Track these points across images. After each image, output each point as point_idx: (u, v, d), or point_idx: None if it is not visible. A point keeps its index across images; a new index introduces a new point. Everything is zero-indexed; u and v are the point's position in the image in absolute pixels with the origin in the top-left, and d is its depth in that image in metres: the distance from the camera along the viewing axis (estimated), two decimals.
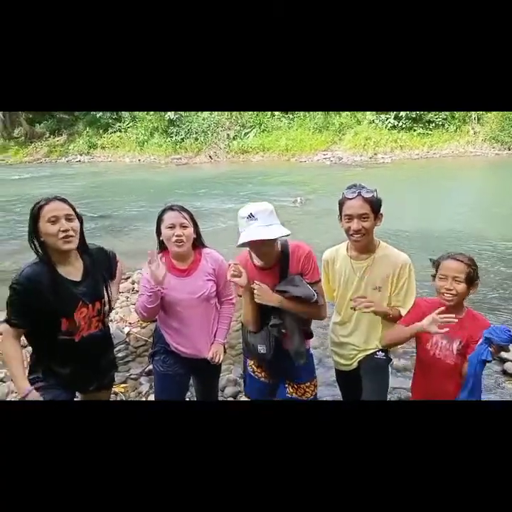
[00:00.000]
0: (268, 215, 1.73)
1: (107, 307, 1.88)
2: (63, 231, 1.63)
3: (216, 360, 2.04)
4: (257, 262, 1.87)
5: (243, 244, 1.78)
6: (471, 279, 1.70)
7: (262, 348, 1.87)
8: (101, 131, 21.81)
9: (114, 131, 21.52)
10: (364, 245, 1.87)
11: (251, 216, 1.71)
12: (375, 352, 1.94)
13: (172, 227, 1.90)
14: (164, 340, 2.06)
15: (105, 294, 1.87)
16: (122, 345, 3.67)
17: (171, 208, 1.95)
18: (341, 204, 1.85)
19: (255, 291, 1.78)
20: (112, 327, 3.87)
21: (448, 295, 1.71)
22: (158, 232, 1.98)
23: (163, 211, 1.96)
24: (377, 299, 1.87)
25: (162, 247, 2.01)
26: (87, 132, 22.09)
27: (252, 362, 2.04)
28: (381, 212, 1.84)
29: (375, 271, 1.88)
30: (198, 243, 2.03)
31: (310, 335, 1.95)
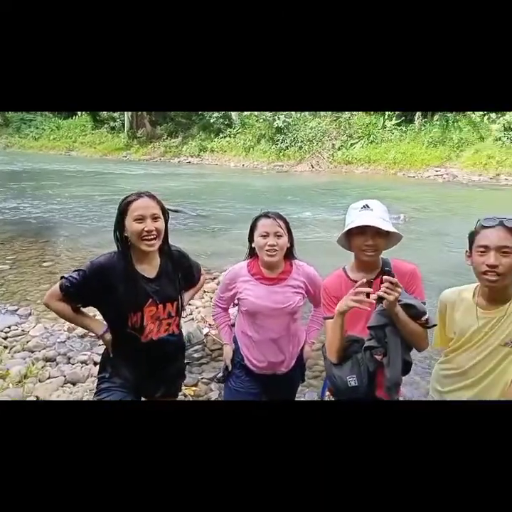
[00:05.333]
0: (384, 211, 1.59)
1: (179, 311, 1.81)
2: (147, 231, 1.61)
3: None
4: (354, 275, 1.63)
5: (348, 234, 1.59)
6: None
7: (352, 380, 1.58)
8: (212, 135, 23.05)
9: (224, 136, 22.58)
10: (499, 291, 1.48)
11: (366, 206, 1.57)
12: None
13: (265, 235, 1.81)
14: (239, 352, 1.98)
15: (178, 298, 1.80)
16: (199, 346, 3.65)
17: (266, 215, 1.85)
18: (474, 234, 1.51)
19: (382, 291, 1.44)
20: (192, 326, 3.89)
21: None
22: (251, 239, 1.89)
23: (258, 218, 1.87)
24: (505, 355, 1.49)
25: (252, 253, 1.93)
26: (200, 136, 23.55)
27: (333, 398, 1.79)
28: None
29: (508, 325, 1.49)
30: (290, 254, 1.91)
31: (409, 366, 1.61)
